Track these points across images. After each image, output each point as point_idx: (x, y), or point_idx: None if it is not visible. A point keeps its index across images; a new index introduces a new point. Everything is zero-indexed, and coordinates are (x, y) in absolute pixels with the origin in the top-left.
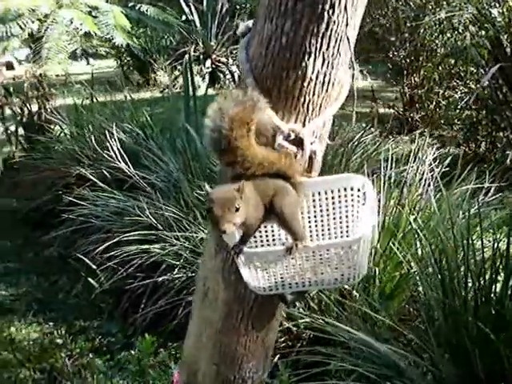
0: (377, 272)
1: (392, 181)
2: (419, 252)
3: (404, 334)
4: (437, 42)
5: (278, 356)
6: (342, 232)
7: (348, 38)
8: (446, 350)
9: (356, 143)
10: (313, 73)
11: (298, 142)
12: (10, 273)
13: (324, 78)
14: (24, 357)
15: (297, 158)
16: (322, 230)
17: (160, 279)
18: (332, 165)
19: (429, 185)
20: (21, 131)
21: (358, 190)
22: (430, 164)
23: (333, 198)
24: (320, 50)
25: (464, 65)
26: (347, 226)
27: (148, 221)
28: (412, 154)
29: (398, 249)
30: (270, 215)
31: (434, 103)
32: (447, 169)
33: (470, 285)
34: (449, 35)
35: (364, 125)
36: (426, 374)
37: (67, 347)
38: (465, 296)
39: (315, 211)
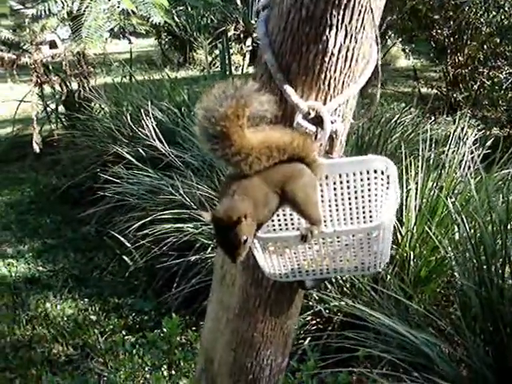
0: (412, 256)
1: (430, 162)
2: (456, 237)
3: (437, 321)
4: (482, 20)
5: (308, 339)
6: (364, 217)
7: (372, 10)
8: (481, 340)
9: (394, 124)
10: (334, 47)
11: (318, 121)
12: (48, 249)
13: (347, 52)
14: (58, 332)
15: (316, 138)
16: (344, 215)
17: (193, 258)
18: (369, 146)
19: (469, 167)
20: (61, 109)
21: (382, 173)
22: (471, 146)
23: (354, 180)
24: (342, 22)
25: (509, 44)
26: (370, 211)
27: (181, 199)
28: (452, 136)
29: (434, 233)
30: (283, 202)
31: (478, 83)
32: (489, 151)
33: (507, 273)
34: (494, 13)
35: (403, 105)
36: (459, 363)
37: (100, 324)
38: (502, 285)
39: (335, 194)
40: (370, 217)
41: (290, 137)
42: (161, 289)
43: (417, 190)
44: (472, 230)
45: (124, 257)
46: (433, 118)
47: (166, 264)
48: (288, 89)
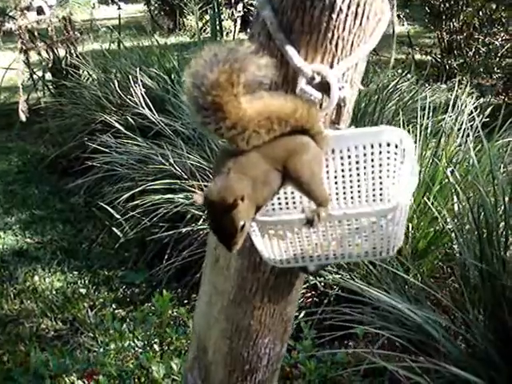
0: (410, 228)
1: (429, 131)
2: (456, 207)
3: (436, 294)
4: None
5: (303, 313)
6: (374, 196)
7: None
8: (480, 312)
9: (391, 90)
10: (343, 2)
11: (324, 87)
12: (36, 220)
13: (357, 8)
14: (47, 307)
15: (322, 106)
16: (351, 194)
17: (184, 230)
18: (365, 113)
19: (467, 135)
20: (48, 76)
21: (396, 147)
22: (470, 114)
23: (364, 154)
24: None
25: (506, 10)
26: (381, 189)
27: (172, 169)
28: (452, 103)
29: (432, 203)
30: (285, 180)
31: (474, 50)
32: (487, 119)
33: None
34: None
35: (400, 71)
36: (456, 336)
37: (90, 297)
38: (504, 257)
39: (343, 170)
40: (381, 194)
41: (293, 105)
42: (152, 261)
43: None
44: (472, 201)
45: (114, 228)
46: (428, 86)
47: (156, 236)
48: (290, 50)
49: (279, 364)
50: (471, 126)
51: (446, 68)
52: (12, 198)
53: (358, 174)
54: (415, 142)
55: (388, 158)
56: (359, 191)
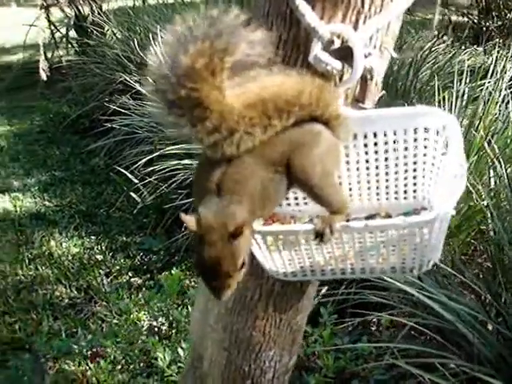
0: None
1: (465, 98)
2: (492, 182)
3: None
4: None
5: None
6: (406, 192)
7: None
8: None
9: (427, 53)
10: None
11: (345, 54)
12: (55, 182)
13: None
14: (61, 273)
15: (342, 79)
16: (377, 189)
17: None
18: (397, 78)
19: (507, 103)
20: (73, 34)
21: (437, 133)
22: (510, 80)
23: (395, 142)
24: None
25: None
26: (414, 184)
27: None
28: (491, 68)
29: (467, 177)
30: (292, 183)
31: None
32: None
33: None
34: None
35: (436, 33)
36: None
37: (106, 264)
38: None
39: (367, 161)
40: (414, 191)
41: (298, 86)
42: (171, 227)
43: None
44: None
45: (132, 193)
46: (464, 49)
47: (175, 203)
48: (301, 5)
49: (288, 375)
50: (511, 92)
51: (482, 30)
52: (33, 159)
53: (387, 166)
54: (450, 110)
55: (425, 147)
56: (387, 187)
